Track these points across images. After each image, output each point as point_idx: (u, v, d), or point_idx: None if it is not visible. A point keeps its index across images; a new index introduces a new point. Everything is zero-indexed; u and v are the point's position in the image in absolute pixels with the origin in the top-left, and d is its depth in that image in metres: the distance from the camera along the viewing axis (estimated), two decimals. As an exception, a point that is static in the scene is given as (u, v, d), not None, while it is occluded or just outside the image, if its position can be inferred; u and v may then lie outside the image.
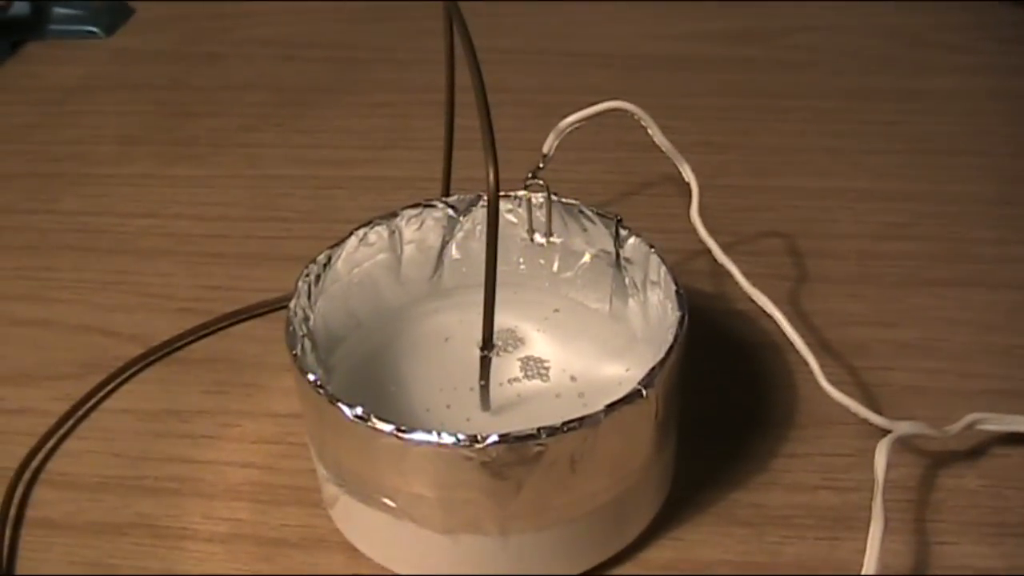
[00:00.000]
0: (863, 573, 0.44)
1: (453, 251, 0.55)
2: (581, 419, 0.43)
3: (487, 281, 0.45)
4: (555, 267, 0.55)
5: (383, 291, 0.54)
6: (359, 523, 0.48)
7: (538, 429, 0.42)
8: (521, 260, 0.55)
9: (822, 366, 0.55)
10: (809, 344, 0.56)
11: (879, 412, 0.54)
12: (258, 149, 0.78)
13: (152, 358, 0.60)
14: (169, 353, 0.61)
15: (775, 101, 0.81)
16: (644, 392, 0.44)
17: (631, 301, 0.52)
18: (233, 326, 0.62)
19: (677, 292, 0.49)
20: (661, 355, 0.45)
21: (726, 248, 0.61)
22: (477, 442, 0.42)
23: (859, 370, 0.58)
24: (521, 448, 0.42)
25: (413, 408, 0.51)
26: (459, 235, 0.55)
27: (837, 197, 0.71)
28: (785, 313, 0.58)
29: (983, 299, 0.63)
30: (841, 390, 0.53)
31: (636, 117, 0.53)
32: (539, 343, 0.54)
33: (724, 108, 0.81)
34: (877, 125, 0.78)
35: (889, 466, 0.49)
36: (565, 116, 0.53)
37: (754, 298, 0.55)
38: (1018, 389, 0.57)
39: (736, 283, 0.58)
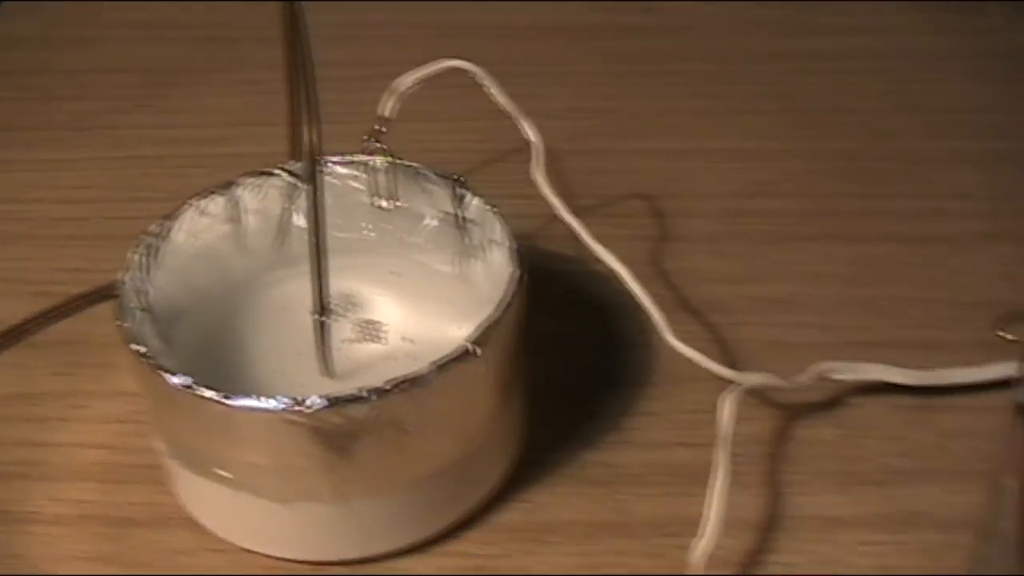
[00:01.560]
0: (705, 524, 0.43)
1: (297, 219, 0.54)
2: (408, 379, 0.42)
3: (311, 245, 0.44)
4: (401, 231, 0.54)
5: (228, 262, 0.53)
6: (199, 497, 0.47)
7: (364, 390, 0.41)
8: (366, 225, 0.54)
9: (679, 323, 0.55)
10: (662, 301, 0.55)
11: (737, 367, 0.53)
12: (123, 131, 0.77)
13: (2, 344, 0.58)
14: (20, 337, 0.59)
15: (646, 66, 0.81)
16: (475, 350, 0.43)
17: (476, 262, 0.51)
18: (86, 308, 0.60)
19: (514, 249, 0.47)
20: (496, 313, 0.44)
21: (589, 211, 0.62)
22: (301, 406, 0.41)
23: (718, 326, 0.58)
24: (347, 411, 0.42)
25: (255, 377, 0.50)
26: (302, 203, 0.53)
27: (703, 158, 0.71)
28: (644, 273, 0.58)
29: (846, 252, 0.63)
30: (695, 346, 0.53)
31: (473, 76, 0.52)
32: (381, 307, 0.53)
33: (594, 74, 0.80)
34: (747, 86, 0.78)
35: (742, 419, 0.49)
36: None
37: (600, 256, 0.54)
38: (879, 340, 0.57)
39: (605, 247, 0.56)
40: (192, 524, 0.49)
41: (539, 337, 0.53)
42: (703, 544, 0.43)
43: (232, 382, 0.44)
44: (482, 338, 0.44)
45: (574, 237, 0.56)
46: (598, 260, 0.56)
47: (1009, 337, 0.39)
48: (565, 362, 0.56)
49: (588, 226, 0.60)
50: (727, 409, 0.46)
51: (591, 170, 0.69)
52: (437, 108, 0.61)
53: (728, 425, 0.46)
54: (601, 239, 0.58)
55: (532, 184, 0.58)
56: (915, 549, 0.47)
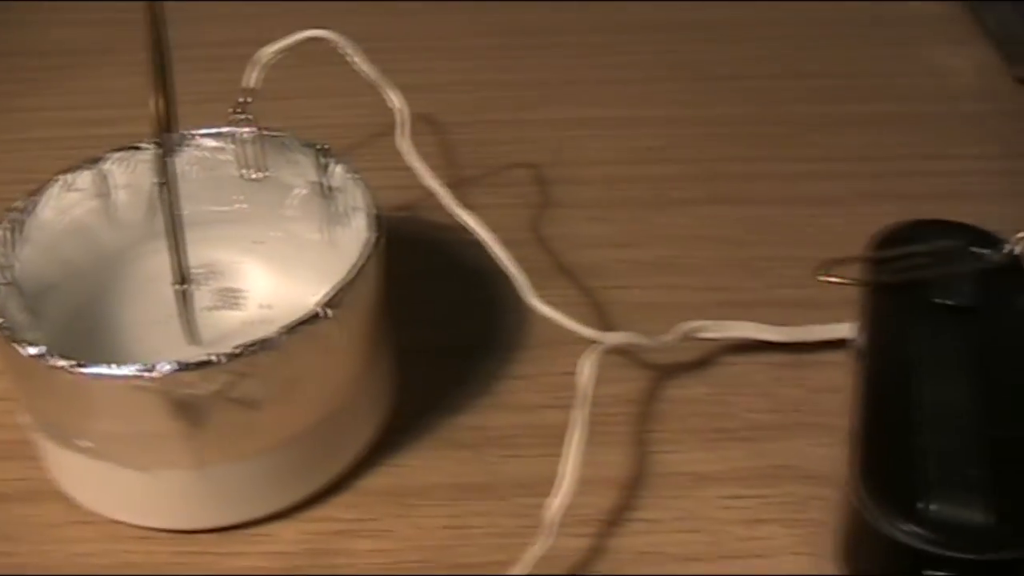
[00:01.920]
0: (560, 483, 0.44)
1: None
2: (257, 342, 0.42)
3: (166, 216, 0.45)
4: (273, 201, 0.54)
5: (99, 236, 0.53)
6: (66, 470, 0.47)
7: (212, 354, 0.41)
8: (238, 197, 0.54)
9: (555, 288, 0.57)
10: (540, 267, 0.58)
11: (608, 329, 0.54)
12: (15, 114, 0.76)
13: None
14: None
15: (540, 38, 0.81)
16: (325, 312, 0.43)
17: (343, 229, 0.52)
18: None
19: (372, 215, 0.48)
20: (349, 276, 0.44)
21: (474, 181, 0.64)
22: (150, 371, 0.41)
23: (594, 290, 0.58)
24: (196, 375, 0.41)
25: (123, 348, 0.51)
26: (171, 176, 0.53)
27: (592, 126, 0.71)
28: (523, 239, 0.60)
29: (728, 215, 0.63)
30: (568, 311, 0.53)
31: (335, 45, 0.52)
32: (243, 275, 0.54)
33: (489, 48, 0.80)
34: (638, 56, 0.78)
35: (613, 380, 0.51)
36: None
37: (467, 223, 0.54)
38: (754, 299, 0.57)
39: (471, 213, 0.56)
40: (62, 497, 0.49)
41: (411, 303, 0.55)
42: (557, 502, 0.43)
43: (101, 353, 0.44)
44: (333, 301, 0.44)
45: (462, 207, 0.56)
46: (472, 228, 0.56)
47: (832, 280, 0.39)
48: (437, 328, 0.56)
49: (473, 195, 0.61)
50: (587, 368, 0.46)
51: (481, 141, 0.70)
52: (330, 83, 0.61)
53: (587, 384, 0.46)
54: (485, 208, 0.59)
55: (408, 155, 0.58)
56: (778, 502, 0.48)
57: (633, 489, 0.49)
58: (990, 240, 0.36)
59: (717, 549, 0.47)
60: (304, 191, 0.53)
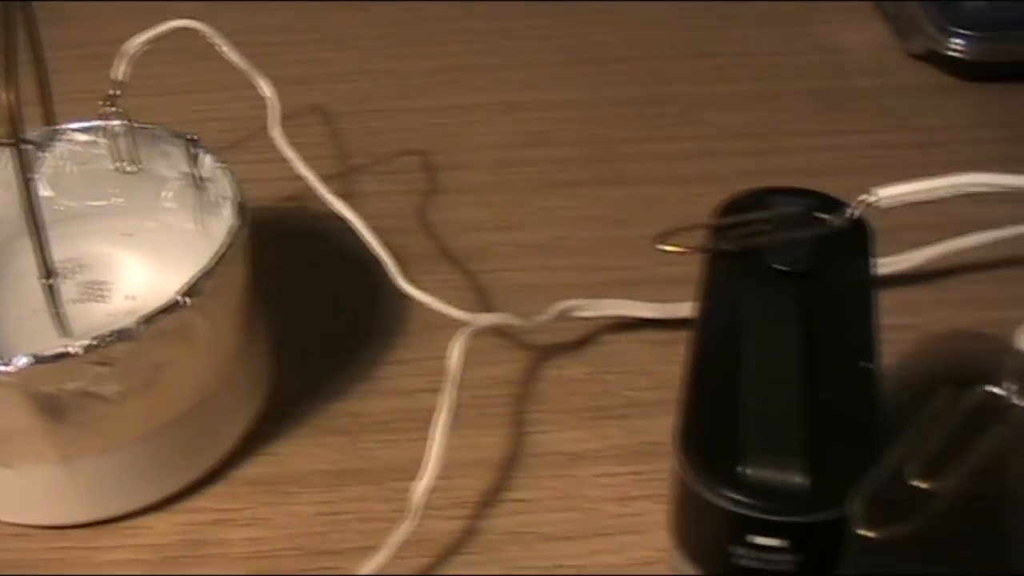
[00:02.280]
0: (426, 465, 0.44)
1: (44, 188, 0.53)
2: (114, 333, 0.42)
3: (25, 210, 0.44)
4: (150, 193, 0.53)
5: (-24, 234, 0.52)
6: (-61, 468, 0.47)
7: (69, 346, 0.41)
8: (114, 191, 0.54)
9: (437, 273, 0.58)
10: (423, 252, 0.59)
11: (486, 311, 0.54)
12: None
13: None
14: None
15: (429, 27, 0.81)
16: (184, 301, 0.43)
17: (216, 219, 0.51)
18: None
19: (236, 203, 0.48)
20: (210, 264, 0.44)
21: (362, 169, 0.65)
22: (7, 366, 0.41)
23: (477, 273, 0.58)
24: (55, 368, 0.41)
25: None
26: (47, 171, 0.53)
27: (479, 112, 0.71)
28: (407, 226, 0.61)
29: (614, 195, 0.63)
30: (448, 295, 0.54)
31: (204, 35, 0.52)
32: (110, 268, 0.53)
33: (377, 38, 0.80)
34: (529, 40, 0.78)
35: (490, 363, 0.52)
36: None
37: (340, 211, 0.54)
38: (638, 278, 0.57)
39: (344, 202, 0.56)
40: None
41: (291, 293, 0.56)
42: (423, 484, 0.43)
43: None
44: (194, 289, 0.44)
45: (335, 195, 0.56)
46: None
47: (670, 248, 0.39)
48: (316, 317, 0.56)
49: (360, 183, 0.63)
50: (456, 350, 0.46)
51: (370, 130, 0.70)
52: (218, 78, 0.60)
53: (457, 365, 0.46)
54: (371, 196, 0.61)
55: (299, 146, 0.59)
56: (651, 479, 0.48)
57: (508, 470, 0.49)
58: (834, 205, 0.36)
59: (590, 527, 0.47)
60: (177, 182, 0.53)
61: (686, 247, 0.38)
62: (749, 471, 0.27)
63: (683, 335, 0.51)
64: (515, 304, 0.55)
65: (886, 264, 0.53)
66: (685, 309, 0.51)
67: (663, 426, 0.47)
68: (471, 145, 0.68)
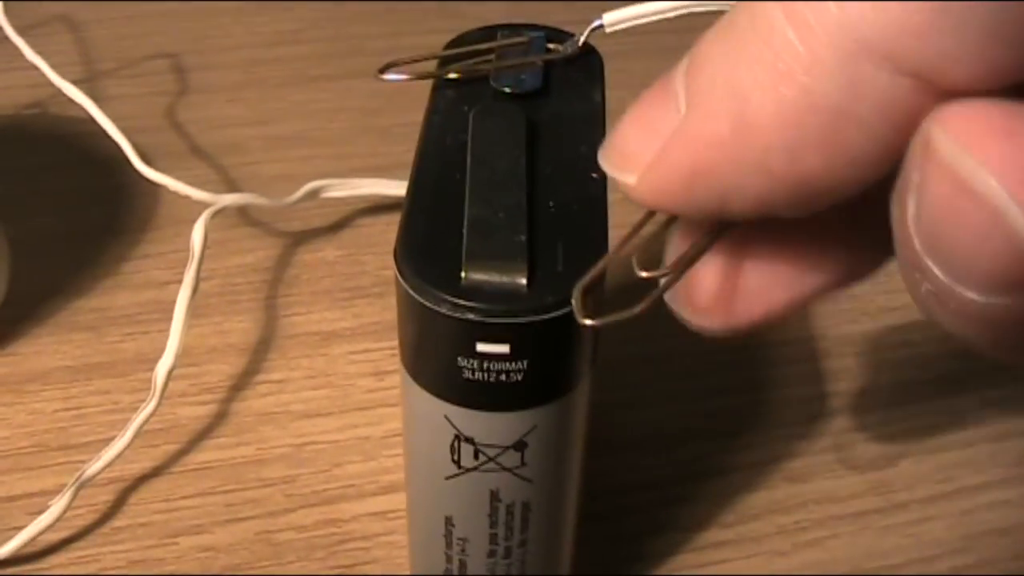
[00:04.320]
0: (167, 348, 0.41)
1: None
2: None
3: None
4: None
5: None
6: None
7: None
8: None
9: (189, 168, 0.57)
10: (173, 149, 0.58)
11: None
12: None
13: None
14: None
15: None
16: None
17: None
18: None
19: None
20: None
21: (110, 74, 0.64)
22: None
23: (229, 167, 0.57)
24: None
25: None
26: None
27: (232, 12, 0.69)
28: (157, 125, 0.60)
29: (367, 88, 0.62)
30: (198, 185, 0.51)
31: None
32: None
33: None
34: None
35: (242, 251, 0.52)
36: None
37: (89, 111, 0.52)
38: (393, 163, 0.56)
39: (93, 102, 0.54)
40: None
41: (35, 195, 0.55)
42: (164, 364, 0.41)
43: None
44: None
45: (81, 96, 0.53)
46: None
47: (389, 77, 0.38)
48: (61, 217, 0.54)
49: (110, 87, 0.61)
50: (198, 229, 0.44)
51: (118, 35, 0.67)
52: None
53: (199, 244, 0.44)
54: (122, 98, 0.60)
55: (45, 54, 0.57)
56: (403, 351, 0.46)
57: (260, 353, 0.47)
58: (564, 36, 0.35)
59: (346, 402, 0.46)
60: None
61: (409, 75, 0.36)
62: (470, 276, 0.26)
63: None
64: (268, 192, 0.52)
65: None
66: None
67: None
68: (222, 47, 0.66)
